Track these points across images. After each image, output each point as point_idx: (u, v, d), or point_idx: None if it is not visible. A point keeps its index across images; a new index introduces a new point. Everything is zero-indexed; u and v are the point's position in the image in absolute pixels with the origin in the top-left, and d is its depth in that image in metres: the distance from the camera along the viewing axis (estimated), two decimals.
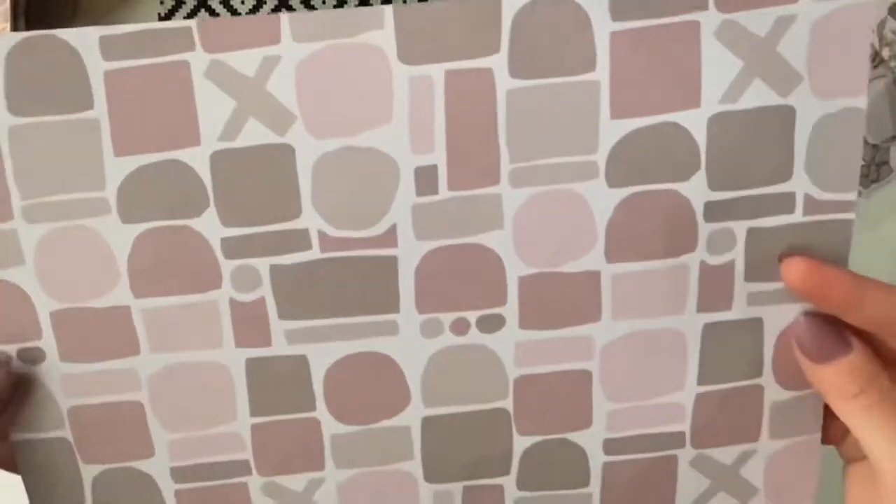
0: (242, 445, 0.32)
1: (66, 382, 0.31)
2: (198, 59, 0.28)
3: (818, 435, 0.32)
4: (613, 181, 0.29)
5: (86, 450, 0.32)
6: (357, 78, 0.28)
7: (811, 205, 0.30)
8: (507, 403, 0.32)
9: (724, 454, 0.33)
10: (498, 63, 0.28)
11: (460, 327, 0.31)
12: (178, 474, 0.32)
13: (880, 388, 0.28)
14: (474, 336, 0.31)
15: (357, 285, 0.30)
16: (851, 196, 0.29)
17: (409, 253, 0.30)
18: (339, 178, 0.29)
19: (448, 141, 0.29)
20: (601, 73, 0.28)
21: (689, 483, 0.33)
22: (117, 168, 0.29)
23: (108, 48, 0.28)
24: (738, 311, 0.31)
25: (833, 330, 0.29)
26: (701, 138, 0.29)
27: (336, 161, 0.29)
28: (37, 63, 0.28)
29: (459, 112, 0.29)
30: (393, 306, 0.31)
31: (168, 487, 0.32)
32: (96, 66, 0.28)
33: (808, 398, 0.32)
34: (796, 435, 0.32)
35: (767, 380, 0.32)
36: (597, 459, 0.33)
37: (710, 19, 0.28)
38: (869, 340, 0.29)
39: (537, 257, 0.30)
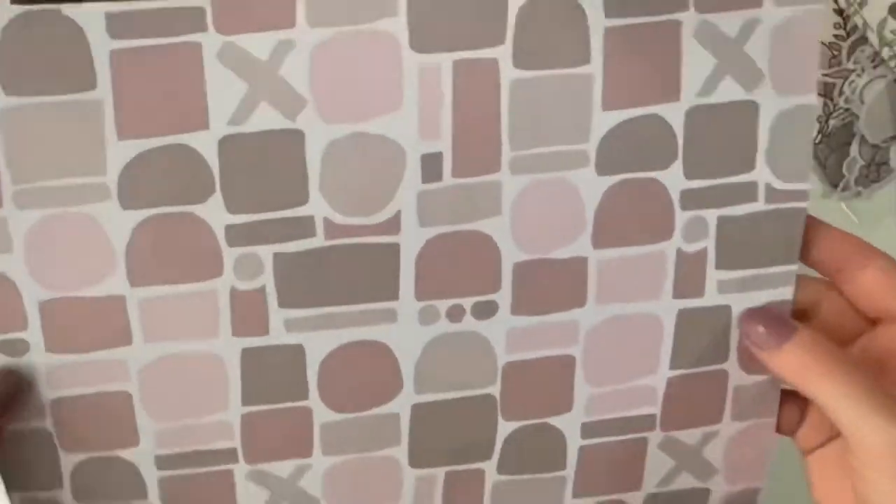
0: (231, 434, 0.32)
1: (50, 374, 0.29)
2: (210, 41, 0.27)
3: (774, 418, 0.34)
4: (602, 169, 0.31)
5: (67, 439, 0.30)
6: (369, 64, 0.29)
7: (771, 194, 0.32)
8: (495, 390, 0.33)
9: (689, 436, 0.35)
10: (503, 54, 0.29)
11: (455, 314, 0.32)
12: (163, 461, 0.31)
13: (842, 359, 0.30)
14: (468, 323, 0.32)
15: (358, 273, 0.30)
16: (805, 186, 0.33)
17: (412, 240, 0.30)
18: (347, 164, 0.29)
19: (454, 129, 0.30)
20: (595, 66, 0.30)
21: (656, 464, 0.35)
22: (119, 152, 0.27)
23: (116, 26, 0.27)
24: (709, 297, 0.33)
25: (775, 316, 0.32)
26: (679, 129, 0.31)
27: (345, 147, 0.29)
28: (36, 39, 0.26)
29: (465, 100, 0.30)
30: (392, 294, 0.31)
31: (152, 475, 0.32)
32: (101, 45, 0.27)
33: (767, 382, 0.34)
34: (755, 417, 0.35)
35: (731, 364, 0.34)
36: (574, 443, 0.34)
37: (689, 19, 0.31)
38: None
39: (532, 244, 0.32)
